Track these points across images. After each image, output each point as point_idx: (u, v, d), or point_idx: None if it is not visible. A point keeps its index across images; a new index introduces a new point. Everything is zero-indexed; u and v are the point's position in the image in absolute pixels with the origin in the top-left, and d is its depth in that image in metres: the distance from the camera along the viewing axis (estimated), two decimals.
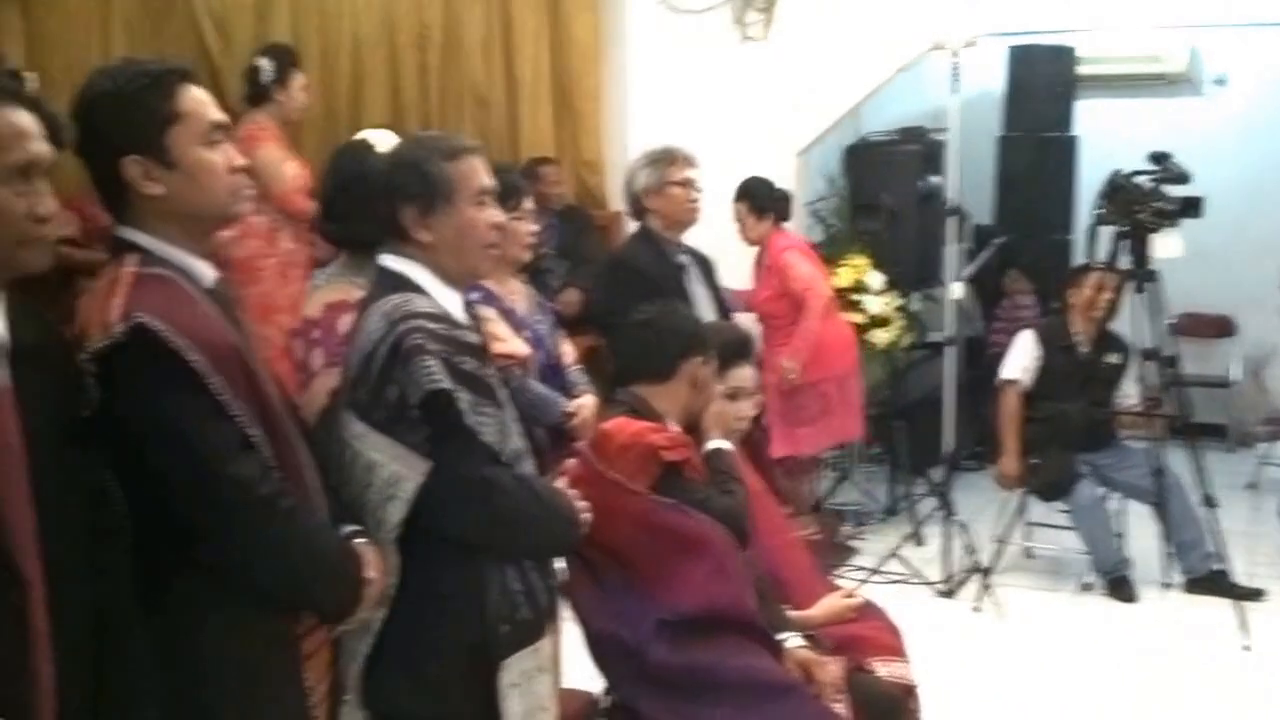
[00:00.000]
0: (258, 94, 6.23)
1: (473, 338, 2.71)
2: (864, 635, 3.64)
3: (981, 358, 8.25)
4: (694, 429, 3.60)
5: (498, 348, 3.73)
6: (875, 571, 6.29)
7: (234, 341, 2.31)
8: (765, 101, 6.74)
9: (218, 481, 2.21)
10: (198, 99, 2.34)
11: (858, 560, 6.56)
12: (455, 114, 7.39)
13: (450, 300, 2.73)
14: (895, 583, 6.22)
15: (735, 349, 3.73)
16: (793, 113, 6.74)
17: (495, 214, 2.76)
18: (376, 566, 2.50)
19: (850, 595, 3.73)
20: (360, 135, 3.39)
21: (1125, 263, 5.81)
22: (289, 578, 2.34)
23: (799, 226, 6.98)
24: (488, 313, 3.81)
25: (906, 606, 5.58)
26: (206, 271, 2.39)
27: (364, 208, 2.92)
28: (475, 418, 2.58)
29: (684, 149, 5.02)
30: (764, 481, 3.91)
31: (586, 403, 4.05)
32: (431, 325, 2.59)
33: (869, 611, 3.77)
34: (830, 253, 7.01)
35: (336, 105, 7.60)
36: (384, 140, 3.25)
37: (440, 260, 2.71)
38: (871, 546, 6.76)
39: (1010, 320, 8.41)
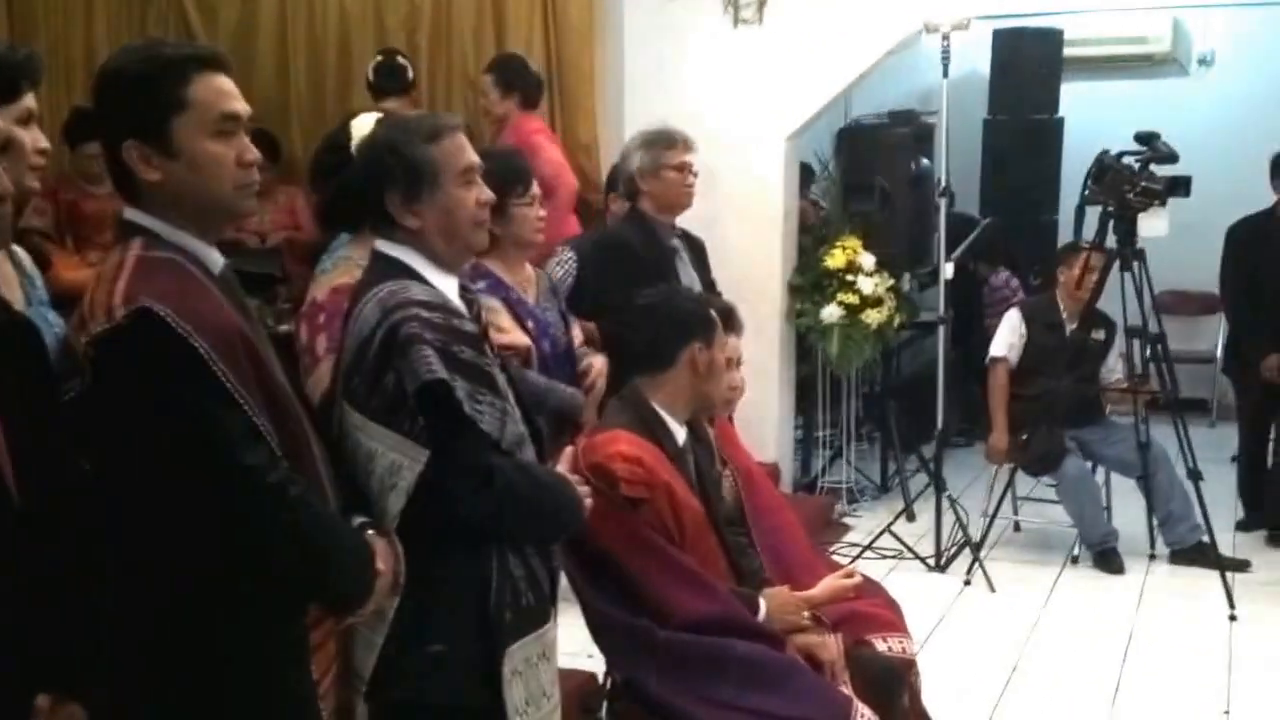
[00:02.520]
0: (401, 87, 6.54)
1: (469, 326, 2.66)
2: (864, 612, 3.68)
3: (967, 337, 8.33)
4: (705, 415, 3.65)
5: (498, 339, 3.74)
6: (867, 548, 6.39)
7: (242, 328, 2.25)
8: (758, 85, 6.77)
9: (225, 470, 2.17)
10: (215, 88, 2.26)
11: (850, 537, 6.67)
12: (445, 96, 7.31)
13: (446, 285, 2.69)
14: (887, 558, 6.32)
15: (723, 320, 3.66)
16: (785, 96, 6.77)
17: (483, 191, 2.70)
18: (386, 557, 2.47)
19: (850, 574, 3.74)
20: (352, 121, 3.35)
21: (1112, 242, 5.91)
22: (297, 567, 2.30)
23: (790, 210, 7.06)
24: (491, 303, 3.83)
25: (899, 581, 5.73)
26: (214, 257, 2.34)
27: (349, 193, 2.89)
28: (473, 406, 2.54)
29: (682, 132, 4.99)
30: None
31: (596, 362, 4.11)
32: (427, 314, 2.54)
33: (868, 588, 3.79)
34: (823, 234, 7.09)
35: (324, 87, 7.50)
36: (368, 127, 3.19)
37: (431, 244, 2.66)
38: (865, 523, 6.86)
39: (996, 302, 8.50)
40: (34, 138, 2.56)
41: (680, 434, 3.51)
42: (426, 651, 2.61)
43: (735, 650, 3.25)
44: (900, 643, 3.68)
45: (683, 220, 5.19)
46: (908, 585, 5.89)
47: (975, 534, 6.25)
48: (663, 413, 3.47)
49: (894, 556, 6.35)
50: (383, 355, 2.51)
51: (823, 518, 6.88)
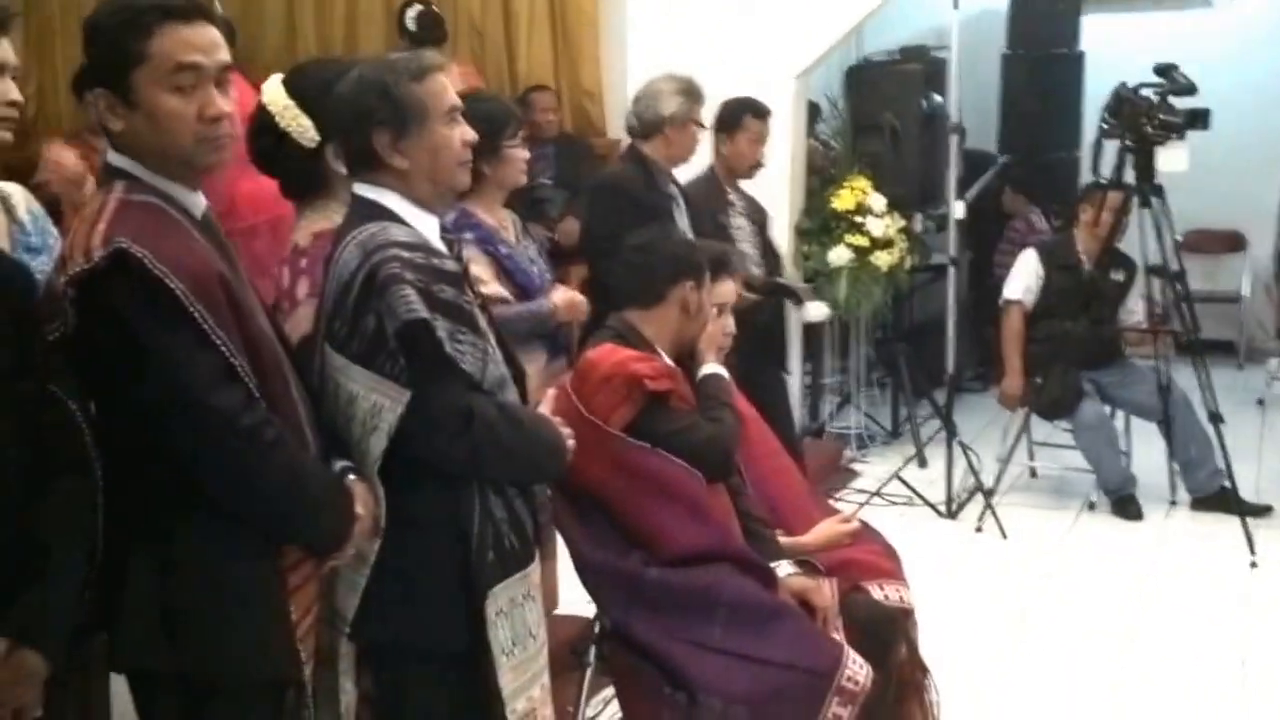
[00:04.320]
0: (440, 36, 6.67)
1: (450, 265, 2.65)
2: (860, 559, 3.60)
3: (984, 279, 8.19)
4: (687, 356, 3.55)
5: (476, 288, 3.75)
6: (875, 494, 6.29)
7: (220, 271, 2.27)
8: (764, 24, 6.63)
9: (199, 411, 2.18)
10: (176, 40, 2.24)
11: (859, 483, 6.56)
12: (450, 44, 7.28)
13: (427, 226, 2.68)
14: (897, 505, 6.22)
15: (718, 264, 3.65)
16: (793, 33, 6.63)
17: (467, 130, 2.70)
18: (365, 502, 2.48)
19: (846, 519, 3.68)
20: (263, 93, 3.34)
21: (1130, 178, 5.75)
22: (272, 510, 2.32)
23: (799, 151, 6.89)
24: (476, 256, 3.82)
25: (908, 529, 5.64)
26: (196, 200, 2.36)
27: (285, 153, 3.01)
28: (454, 346, 2.53)
29: None
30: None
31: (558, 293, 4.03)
32: (407, 254, 2.53)
33: (865, 535, 3.71)
34: (831, 175, 6.94)
35: (331, 37, 7.54)
36: (271, 88, 3.24)
37: (415, 185, 2.64)
38: (874, 469, 6.76)
39: (1020, 243, 8.30)
40: (3, 90, 2.57)
41: (669, 365, 3.47)
42: (409, 593, 2.61)
43: (724, 593, 3.19)
44: (898, 591, 3.60)
45: (687, 164, 5.17)
46: (917, 532, 5.83)
47: (989, 480, 6.11)
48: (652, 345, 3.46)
49: (903, 503, 6.26)
50: (363, 297, 2.50)
51: (831, 463, 6.79)
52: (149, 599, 2.26)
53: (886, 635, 3.44)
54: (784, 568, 3.37)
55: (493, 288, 3.89)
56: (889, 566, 3.64)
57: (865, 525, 3.79)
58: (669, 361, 3.45)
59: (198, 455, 2.22)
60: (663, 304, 3.45)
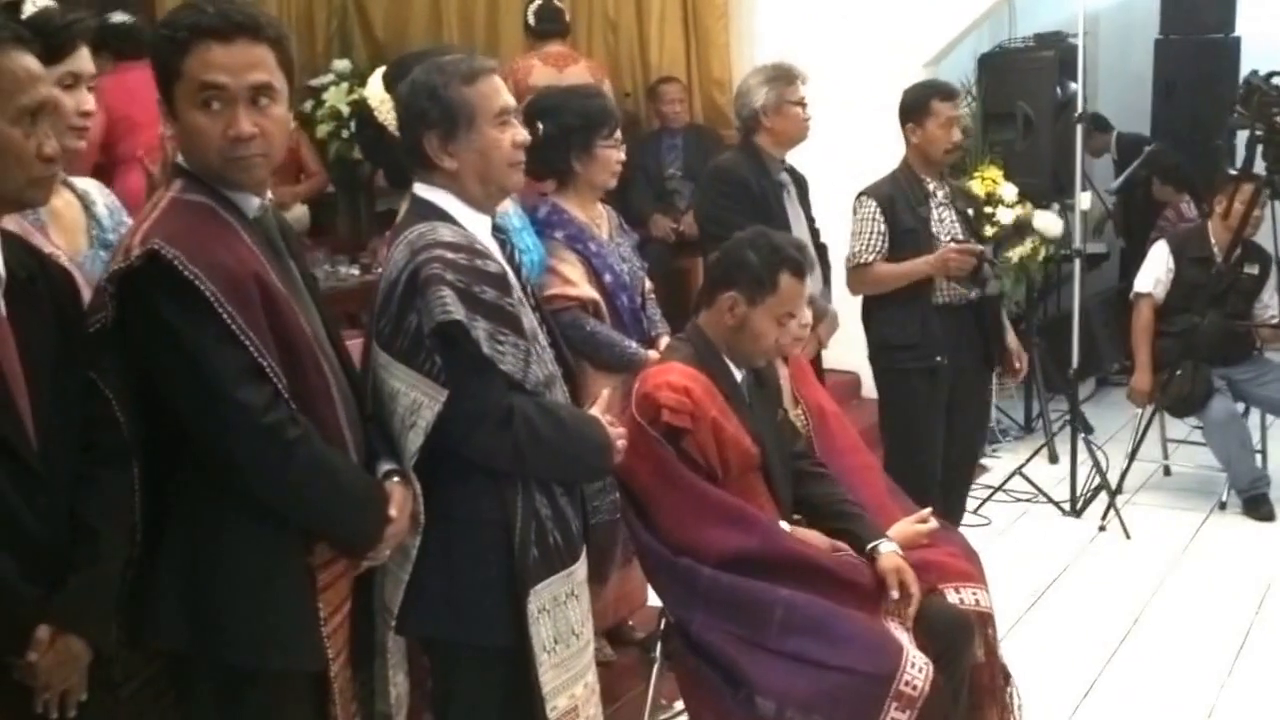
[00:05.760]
0: (561, 30, 6.75)
1: (494, 266, 2.67)
2: (937, 560, 3.51)
3: (1135, 269, 7.95)
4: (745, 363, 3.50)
5: (564, 290, 3.84)
6: (998, 489, 6.17)
7: (258, 272, 2.32)
8: (892, 12, 6.59)
9: (224, 406, 2.24)
10: (207, 60, 2.28)
11: (987, 478, 6.41)
12: (585, 38, 7.40)
13: (478, 225, 2.72)
14: (1021, 501, 6.11)
15: (793, 267, 3.48)
16: (921, 22, 6.58)
17: (519, 132, 2.73)
18: (402, 506, 2.53)
19: (924, 519, 3.61)
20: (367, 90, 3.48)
21: (1261, 169, 5.57)
22: (293, 506, 2.36)
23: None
24: (567, 256, 3.91)
25: (1031, 526, 5.54)
26: (250, 202, 2.42)
27: (385, 145, 3.05)
28: (493, 346, 2.57)
29: (795, 65, 4.92)
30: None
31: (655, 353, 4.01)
32: (451, 255, 2.58)
33: (944, 536, 3.65)
34: (961, 165, 6.82)
35: (474, 29, 7.67)
36: (373, 82, 3.36)
37: (466, 186, 2.70)
38: (1005, 465, 6.59)
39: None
40: (79, 100, 2.65)
41: (737, 373, 3.44)
42: (453, 589, 2.65)
43: (780, 592, 3.17)
44: (974, 594, 3.52)
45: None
46: (1040, 530, 5.74)
47: (1115, 478, 5.96)
48: (720, 350, 3.43)
49: (1028, 500, 6.12)
50: (407, 295, 2.57)
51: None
52: (175, 583, 2.32)
53: (959, 640, 3.37)
54: (886, 544, 3.36)
55: (583, 289, 3.94)
56: (967, 569, 3.56)
57: (944, 525, 3.74)
58: (737, 373, 3.42)
59: (224, 449, 2.28)
60: (713, 308, 3.41)
